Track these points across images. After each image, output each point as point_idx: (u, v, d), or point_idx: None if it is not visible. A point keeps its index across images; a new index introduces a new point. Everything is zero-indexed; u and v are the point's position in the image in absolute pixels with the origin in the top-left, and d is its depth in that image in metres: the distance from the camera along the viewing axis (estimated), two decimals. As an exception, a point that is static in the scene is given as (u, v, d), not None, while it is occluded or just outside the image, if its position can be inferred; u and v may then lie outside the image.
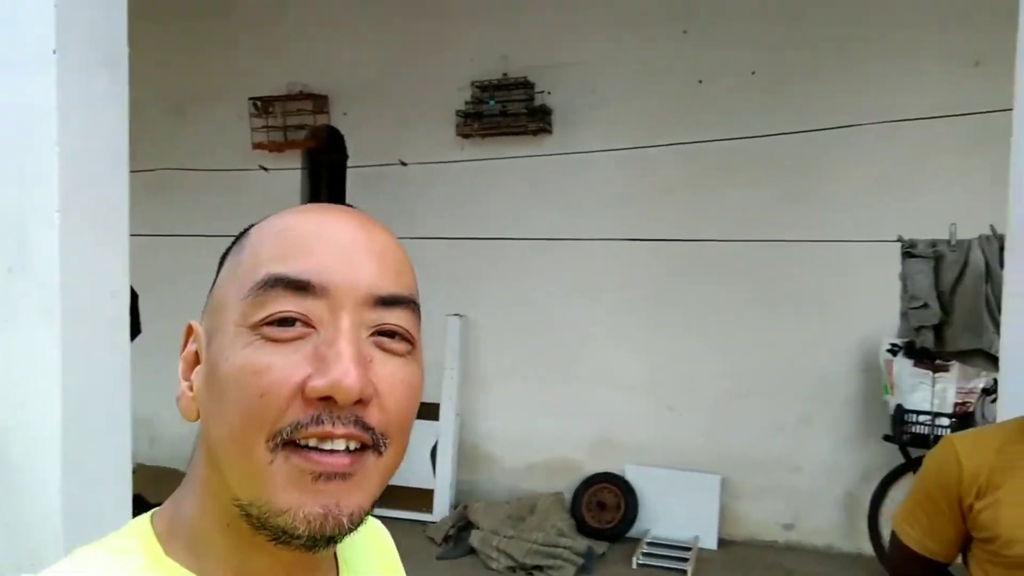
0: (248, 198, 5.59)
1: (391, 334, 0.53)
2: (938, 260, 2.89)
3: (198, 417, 0.55)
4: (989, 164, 4.11)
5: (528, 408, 4.92)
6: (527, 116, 4.93)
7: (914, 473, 3.82)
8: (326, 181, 5.83)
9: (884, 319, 4.12)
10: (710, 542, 4.38)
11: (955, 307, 2.83)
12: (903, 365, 3.72)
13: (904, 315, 3.01)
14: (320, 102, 5.48)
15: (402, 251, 0.56)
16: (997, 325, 2.72)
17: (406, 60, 5.29)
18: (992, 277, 2.75)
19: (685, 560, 4.10)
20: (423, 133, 5.24)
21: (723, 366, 4.52)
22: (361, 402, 0.50)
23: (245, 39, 5.63)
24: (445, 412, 4.88)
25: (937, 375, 3.60)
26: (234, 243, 0.59)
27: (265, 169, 5.53)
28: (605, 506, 4.48)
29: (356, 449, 0.50)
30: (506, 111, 4.97)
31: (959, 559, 1.54)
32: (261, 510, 0.50)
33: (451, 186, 5.16)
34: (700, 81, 4.66)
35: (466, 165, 5.08)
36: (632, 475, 4.55)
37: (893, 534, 1.60)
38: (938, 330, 2.88)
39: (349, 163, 5.52)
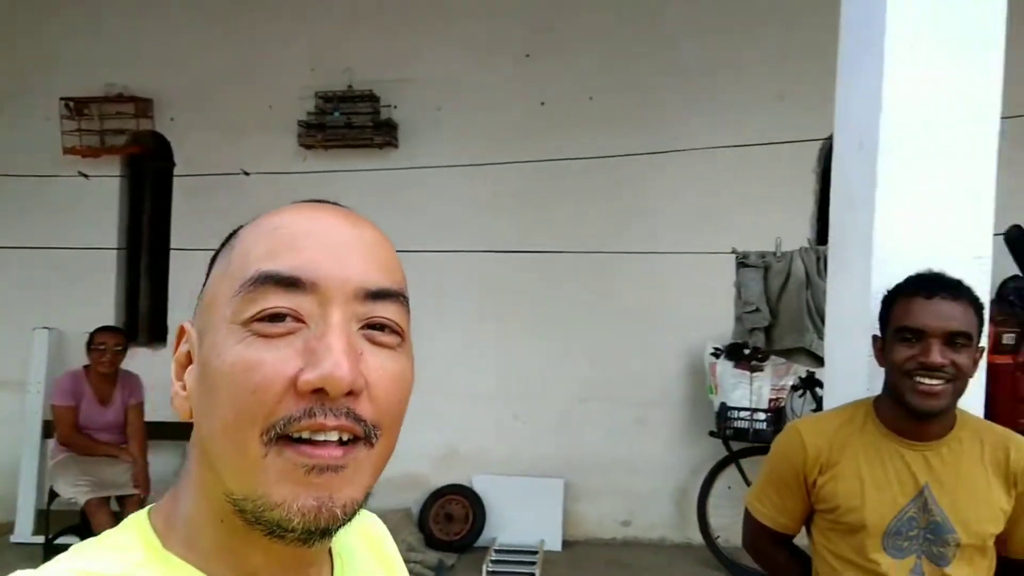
0: (57, 207, 5.08)
1: (381, 327, 0.54)
2: (766, 269, 3.26)
3: (191, 416, 0.55)
4: (792, 186, 4.70)
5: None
6: (373, 129, 4.90)
7: (737, 465, 4.22)
8: (150, 190, 5.43)
9: (707, 325, 4.54)
10: (555, 544, 4.55)
11: (781, 311, 3.21)
12: (725, 367, 4.11)
13: (738, 319, 3.35)
14: (143, 105, 5.11)
15: (390, 246, 0.58)
16: (816, 326, 3.12)
17: (241, 65, 5.08)
18: (811, 284, 3.16)
19: (532, 564, 4.23)
20: (262, 142, 5.04)
21: (566, 374, 4.74)
22: (352, 394, 0.50)
23: (56, 31, 5.14)
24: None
25: (754, 375, 4.02)
26: (224, 244, 0.60)
27: (85, 176, 5.05)
28: (453, 518, 4.52)
29: (348, 441, 0.51)
30: (351, 123, 4.91)
31: (803, 531, 1.75)
32: (255, 504, 0.50)
33: (291, 198, 4.96)
34: (543, 103, 4.89)
35: (308, 177, 4.95)
36: (479, 485, 4.63)
37: (746, 512, 1.79)
38: (767, 331, 3.24)
39: (177, 171, 5.18)
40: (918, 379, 1.50)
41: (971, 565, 1.51)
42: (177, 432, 4.84)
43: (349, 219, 0.56)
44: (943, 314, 1.51)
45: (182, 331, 0.59)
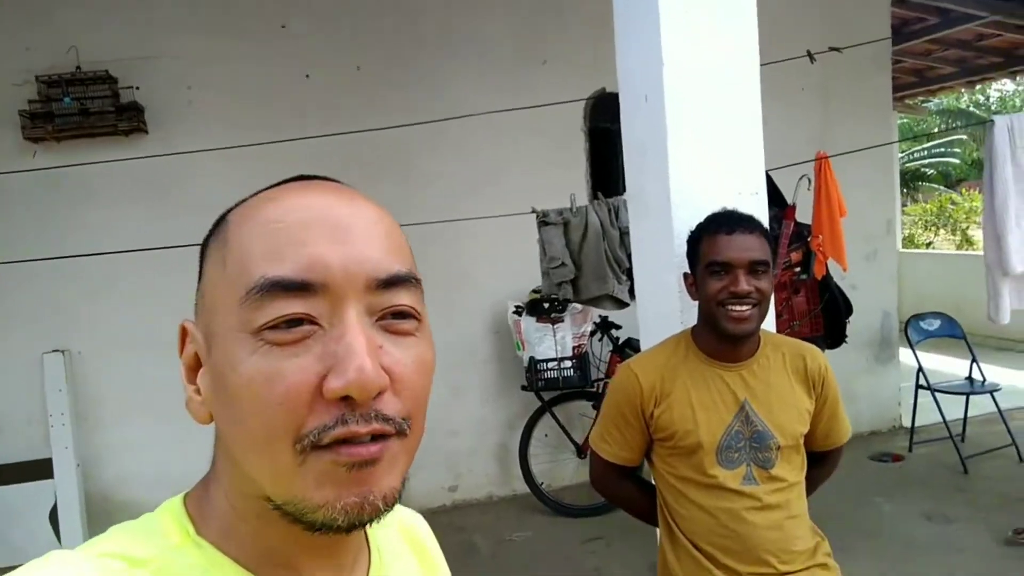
0: None
1: (397, 314, 0.52)
2: (566, 225, 3.41)
3: (210, 420, 0.54)
4: (565, 145, 4.95)
5: (165, 442, 4.40)
6: (115, 114, 4.36)
7: (551, 413, 4.44)
8: None
9: (504, 285, 4.69)
10: (386, 523, 4.50)
11: (583, 262, 3.38)
12: (528, 323, 4.28)
13: (545, 274, 3.48)
14: None
15: (392, 221, 0.56)
16: (616, 273, 3.34)
17: (-67, 48, 4.26)
18: (607, 234, 3.36)
19: (367, 546, 4.16)
20: (-26, 138, 4.29)
21: (371, 353, 4.64)
22: (379, 394, 0.50)
23: None
24: (61, 465, 4.13)
25: (556, 326, 4.23)
26: (213, 231, 0.56)
27: None
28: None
29: (377, 437, 0.51)
30: (87, 109, 4.32)
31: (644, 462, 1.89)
32: (297, 507, 0.50)
33: (21, 199, 4.33)
34: (307, 76, 4.66)
35: (41, 174, 4.31)
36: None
37: (592, 452, 1.90)
38: (574, 283, 3.41)
39: None
40: (730, 307, 1.67)
41: (790, 463, 1.72)
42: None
43: (345, 198, 0.53)
44: (744, 246, 1.68)
45: (184, 331, 0.56)
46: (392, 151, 4.64)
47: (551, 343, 4.23)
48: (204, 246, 0.57)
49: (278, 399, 0.48)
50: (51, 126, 4.30)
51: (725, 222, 1.73)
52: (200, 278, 0.56)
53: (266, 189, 0.57)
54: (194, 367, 0.55)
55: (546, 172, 4.74)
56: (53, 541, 4.06)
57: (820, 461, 1.86)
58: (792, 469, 1.73)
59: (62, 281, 4.30)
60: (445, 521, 4.55)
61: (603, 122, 5.01)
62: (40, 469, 4.05)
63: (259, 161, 4.44)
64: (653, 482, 1.86)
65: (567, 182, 4.66)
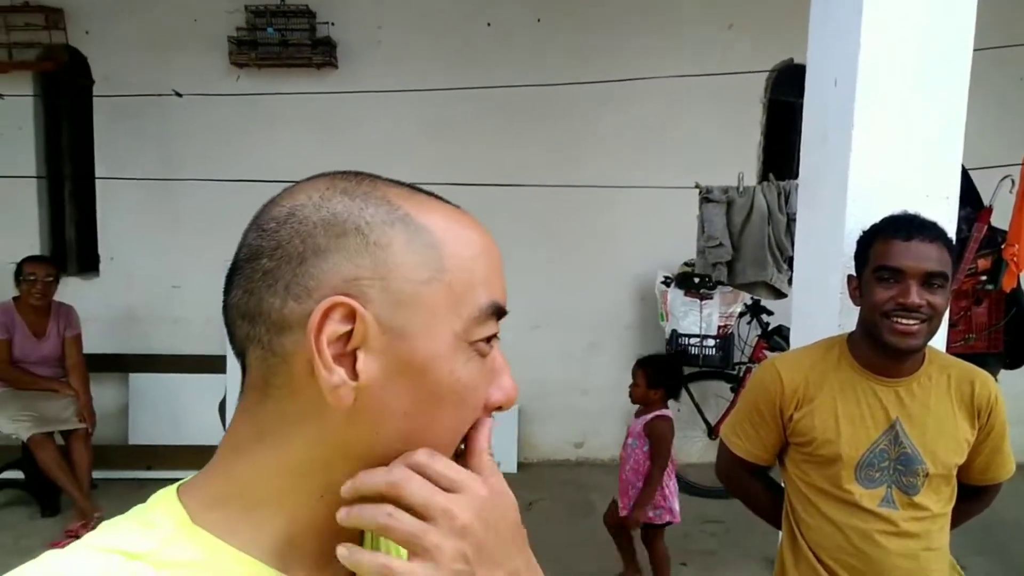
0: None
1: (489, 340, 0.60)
2: (729, 204, 3.29)
3: (350, 405, 0.53)
4: (739, 117, 4.72)
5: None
6: (310, 47, 4.64)
7: (686, 389, 4.37)
8: (67, 111, 5.04)
9: (656, 254, 4.62)
10: (510, 467, 4.67)
11: (743, 245, 3.26)
12: (676, 295, 4.21)
13: (701, 253, 3.40)
14: (54, 16, 4.69)
15: None
16: (777, 261, 3.20)
17: (157, -28, 4.69)
18: (773, 219, 3.21)
19: (490, 486, 4.34)
20: (188, 60, 4.71)
21: (517, 303, 4.67)
22: None
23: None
24: (232, 362, 4.58)
25: (703, 302, 4.12)
26: (370, 210, 0.54)
27: (0, 96, 4.64)
28: (409, 445, 4.57)
29: None
30: (287, 40, 4.63)
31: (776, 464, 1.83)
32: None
33: (224, 121, 4.73)
34: (489, 24, 4.71)
35: (242, 99, 4.68)
36: (434, 412, 4.67)
37: (721, 444, 1.86)
38: (729, 265, 3.30)
39: (97, 90, 4.82)
40: (896, 319, 1.55)
41: (937, 493, 1.61)
42: (116, 364, 4.70)
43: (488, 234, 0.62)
44: (921, 255, 1.55)
45: (337, 307, 0.51)
46: (560, 107, 4.63)
47: (696, 318, 4.14)
48: (362, 226, 0.54)
49: (476, 404, 0.57)
50: (254, 53, 4.65)
51: (903, 226, 1.60)
52: (337, 254, 0.53)
53: (420, 192, 0.59)
54: (343, 348, 0.52)
55: (715, 144, 4.56)
56: (219, 429, 4.54)
57: (973, 495, 1.72)
58: (938, 499, 1.62)
59: (247, 197, 4.69)
60: (567, 476, 4.65)
61: (786, 95, 4.72)
62: (215, 364, 4.50)
63: (432, 105, 4.60)
64: (781, 484, 1.80)
65: (737, 157, 4.47)
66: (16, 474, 4.08)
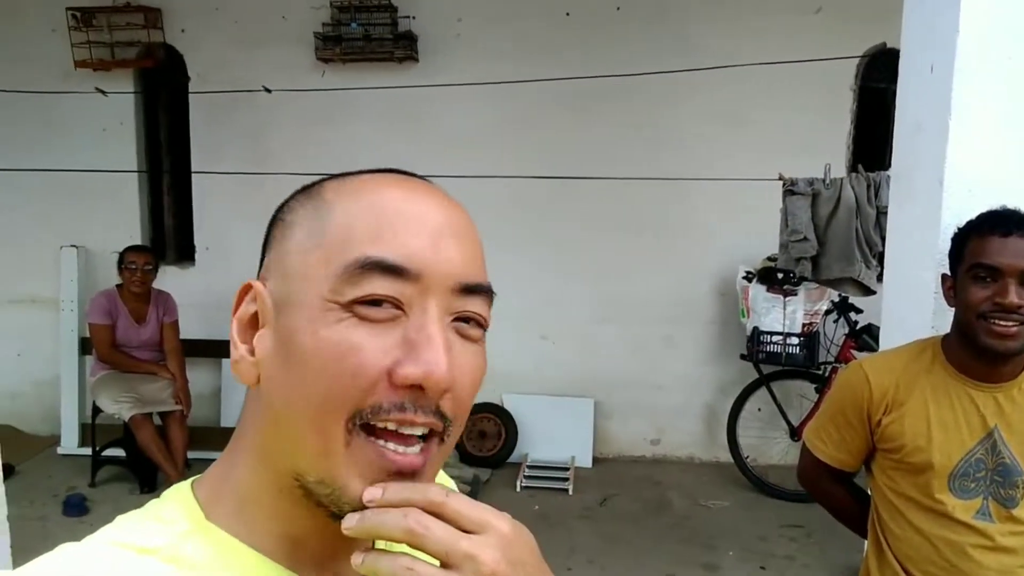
0: (71, 123, 4.98)
1: (468, 320, 0.54)
2: (815, 197, 3.17)
3: (257, 382, 0.54)
4: (828, 105, 4.53)
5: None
6: (392, 42, 4.71)
7: (767, 388, 4.25)
8: (165, 106, 5.30)
9: (737, 248, 4.50)
10: (586, 461, 4.66)
11: (829, 240, 3.13)
12: (758, 290, 4.08)
13: (784, 247, 3.29)
14: (152, 15, 4.92)
15: (477, 232, 0.58)
16: (865, 256, 3.06)
17: (249, -28, 4.85)
18: (861, 213, 3.07)
19: (565, 480, 4.35)
20: (277, 56, 4.86)
21: (591, 295, 4.72)
22: (446, 391, 0.51)
23: (57, -62, 4.90)
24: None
25: (787, 299, 3.98)
26: (299, 200, 0.57)
27: (103, 93, 4.92)
28: (486, 435, 4.62)
29: (425, 436, 0.52)
30: (370, 35, 4.72)
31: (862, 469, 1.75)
32: (332, 492, 0.51)
33: (311, 116, 4.87)
34: (567, 13, 4.68)
35: (327, 94, 4.80)
36: (510, 404, 4.70)
37: (804, 447, 1.79)
38: (814, 260, 3.18)
39: (192, 87, 5.04)
40: (993, 320, 1.46)
41: (1038, 506, 1.51)
42: (210, 350, 4.92)
43: (444, 201, 0.56)
44: (1020, 253, 1.45)
45: (247, 289, 0.56)
46: (640, 96, 4.56)
47: (779, 315, 4.00)
48: (285, 213, 0.58)
49: (350, 370, 0.49)
50: (339, 48, 4.76)
51: (1001, 223, 1.50)
52: (273, 242, 0.57)
53: (366, 173, 0.58)
54: (249, 326, 0.56)
55: (801, 133, 4.39)
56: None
57: (1079, 511, 1.61)
58: (1039, 514, 1.52)
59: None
60: (642, 472, 4.60)
61: (878, 82, 4.50)
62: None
63: (512, 97, 4.61)
64: (868, 491, 1.73)
65: (825, 147, 4.29)
66: (118, 452, 4.35)
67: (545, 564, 0.53)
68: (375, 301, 0.51)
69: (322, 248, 0.53)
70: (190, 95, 5.02)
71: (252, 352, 0.54)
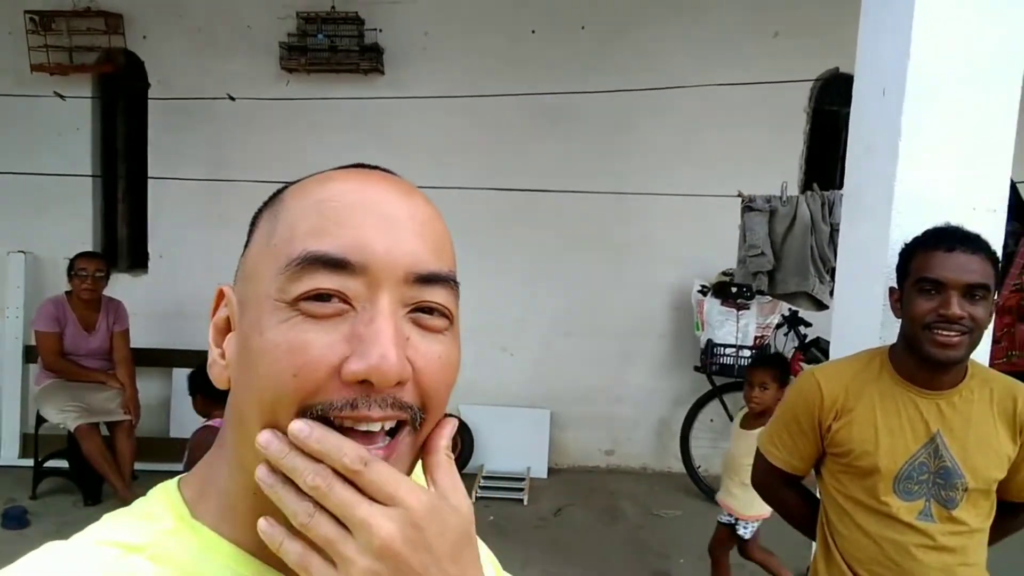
0: (26, 127, 4.87)
1: (429, 310, 0.52)
2: (772, 214, 3.29)
3: (228, 385, 0.54)
4: (784, 128, 4.69)
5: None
6: (358, 54, 4.73)
7: (720, 399, 4.35)
8: (123, 112, 5.21)
9: (692, 263, 4.61)
10: (541, 471, 4.69)
11: (785, 255, 3.25)
12: (712, 304, 4.19)
13: (742, 262, 3.39)
14: (114, 21, 4.85)
15: (442, 223, 0.56)
16: (819, 272, 3.18)
17: (214, -19, 4.83)
18: (816, 230, 3.20)
19: (520, 490, 4.37)
20: (241, 64, 4.84)
21: (551, 308, 4.78)
22: (399, 383, 0.49)
23: (15, -62, 4.81)
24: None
25: (740, 312, 4.10)
26: (268, 204, 0.57)
27: (61, 97, 4.81)
28: (442, 446, 4.60)
29: (392, 429, 0.51)
30: (336, 46, 4.73)
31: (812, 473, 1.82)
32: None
33: (274, 125, 4.85)
34: (533, 31, 4.76)
35: (291, 103, 4.79)
36: (467, 415, 4.71)
37: (758, 453, 1.86)
38: (770, 275, 3.29)
39: (152, 93, 4.97)
40: (937, 331, 1.54)
41: (976, 508, 1.59)
42: (161, 359, 4.82)
43: (401, 191, 0.54)
44: (962, 267, 1.54)
45: (221, 295, 0.57)
46: (603, 113, 4.65)
47: (732, 328, 4.12)
48: (255, 219, 0.58)
49: (294, 369, 0.48)
50: (304, 59, 4.75)
51: (945, 238, 1.59)
52: (245, 247, 0.57)
53: (332, 170, 0.57)
54: (223, 331, 0.56)
55: (757, 153, 4.55)
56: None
57: (1013, 512, 1.69)
58: (977, 514, 1.60)
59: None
60: (597, 483, 4.65)
61: (831, 104, 4.68)
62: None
63: (477, 111, 4.65)
64: (817, 494, 1.80)
65: (779, 166, 4.45)
66: (62, 463, 4.22)
67: (472, 548, 0.51)
68: (321, 296, 0.49)
69: (270, 248, 0.52)
70: (149, 101, 4.96)
71: (221, 355, 0.55)
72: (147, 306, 4.80)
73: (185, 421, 4.88)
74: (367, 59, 4.72)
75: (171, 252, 4.99)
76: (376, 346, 0.48)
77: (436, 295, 0.52)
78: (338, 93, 4.70)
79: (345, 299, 0.49)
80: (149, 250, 5.04)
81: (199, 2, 4.86)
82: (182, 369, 4.91)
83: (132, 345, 4.34)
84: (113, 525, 0.53)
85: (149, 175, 4.97)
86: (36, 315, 4.17)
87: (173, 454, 4.60)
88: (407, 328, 0.51)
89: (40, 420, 4.14)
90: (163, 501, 0.55)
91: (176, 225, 4.96)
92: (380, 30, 4.77)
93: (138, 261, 5.16)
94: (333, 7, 4.74)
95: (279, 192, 0.57)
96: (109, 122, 5.17)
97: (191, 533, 0.53)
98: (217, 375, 0.55)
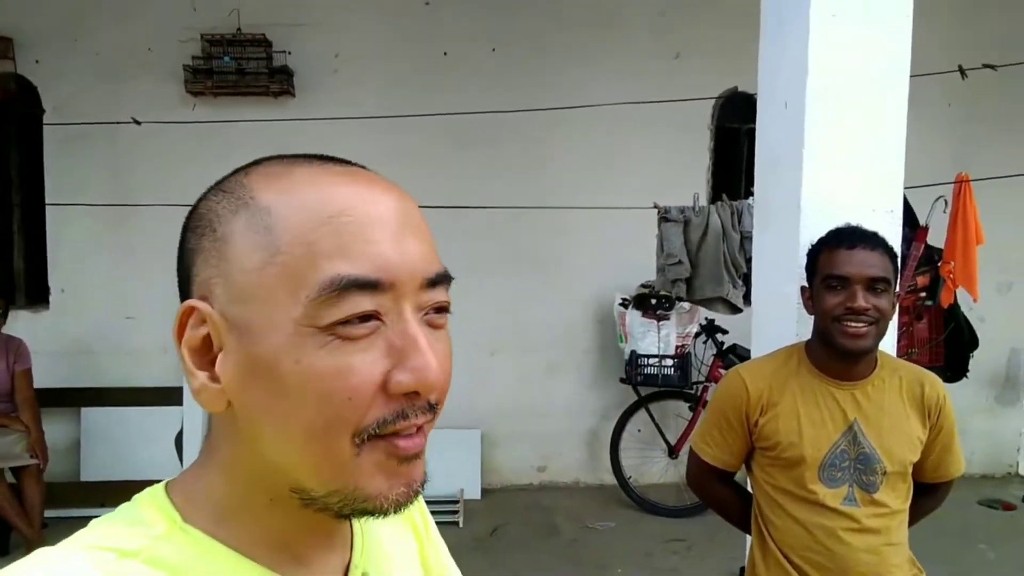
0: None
1: (437, 310, 0.55)
2: (687, 224, 3.42)
3: (225, 408, 0.52)
4: (691, 144, 4.89)
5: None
6: (267, 76, 4.66)
7: (646, 409, 4.45)
8: (15, 139, 4.94)
9: (613, 277, 4.72)
10: (474, 492, 4.66)
11: (700, 262, 3.38)
12: (634, 316, 4.30)
13: (661, 270, 3.50)
14: (3, 45, 4.61)
15: (423, 216, 0.57)
16: (732, 277, 3.31)
17: (110, 2, 4.66)
18: (727, 237, 3.34)
19: (455, 512, 4.33)
20: (143, 89, 4.68)
21: (477, 326, 4.78)
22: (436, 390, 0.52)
23: None
24: (189, 394, 4.50)
25: (661, 323, 4.22)
26: (223, 201, 0.53)
27: (-55, 123, 4.52)
28: (371, 472, 4.52)
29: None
30: (243, 69, 4.64)
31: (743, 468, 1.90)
32: (345, 496, 0.51)
33: (180, 149, 4.70)
34: (445, 53, 4.81)
35: (199, 127, 4.65)
36: (396, 439, 4.64)
37: (691, 452, 1.92)
38: (688, 282, 3.41)
39: (47, 119, 4.74)
40: (845, 323, 1.65)
41: (895, 490, 1.69)
42: (67, 398, 4.56)
43: (395, 194, 0.54)
44: (864, 262, 1.65)
45: (190, 312, 0.52)
46: (516, 133, 4.73)
47: (654, 339, 4.23)
48: (213, 221, 0.53)
49: (347, 392, 0.49)
50: (210, 82, 4.64)
51: (847, 237, 1.70)
52: (203, 255, 0.53)
53: (290, 160, 0.55)
54: (201, 351, 0.52)
55: (667, 167, 4.72)
56: (176, 463, 4.43)
57: (927, 493, 1.81)
58: (896, 496, 1.70)
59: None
60: (530, 500, 4.67)
61: (731, 122, 4.91)
62: (172, 396, 4.41)
63: (391, 132, 4.64)
64: (750, 489, 1.87)
65: (688, 180, 4.63)
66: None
67: None
68: (359, 318, 0.50)
69: (277, 266, 0.50)
70: (45, 127, 4.72)
71: (211, 378, 0.52)
72: (50, 343, 4.54)
73: (97, 462, 4.63)
74: (277, 81, 4.65)
75: (74, 284, 4.74)
76: (418, 358, 0.50)
77: (441, 293, 0.54)
78: (248, 116, 4.61)
79: (378, 316, 0.50)
80: (50, 283, 4.77)
81: (95, 25, 4.68)
82: (91, 408, 4.66)
83: (36, 385, 4.08)
84: (103, 531, 0.52)
85: (47, 203, 4.72)
86: (-73, 357, 3.88)
87: (86, 497, 4.36)
88: (425, 331, 0.52)
89: (-66, 470, 3.84)
90: (152, 507, 0.54)
91: (78, 256, 4.73)
92: (289, 52, 4.71)
93: (38, 296, 4.87)
94: (239, 29, 4.66)
95: (229, 185, 0.54)
96: (0, 151, 4.89)
97: (184, 537, 0.52)
98: (211, 399, 0.52)
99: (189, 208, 0.57)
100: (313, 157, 0.56)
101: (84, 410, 4.63)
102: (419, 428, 0.53)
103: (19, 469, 3.83)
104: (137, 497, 0.56)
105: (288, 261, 0.49)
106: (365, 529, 0.64)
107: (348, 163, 0.56)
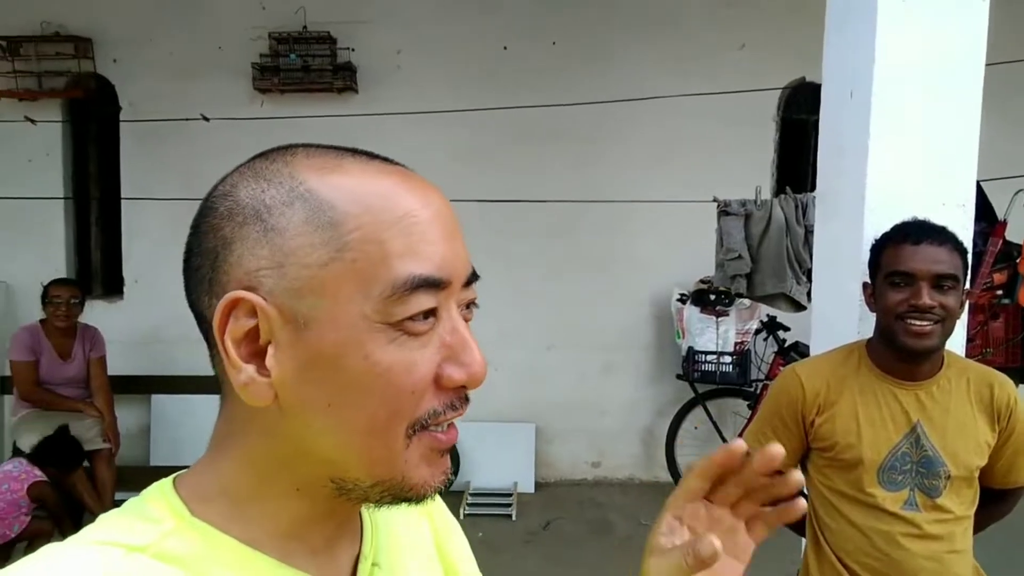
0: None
1: (468, 305, 0.57)
2: (748, 217, 3.33)
3: (271, 401, 0.52)
4: (755, 136, 4.78)
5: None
6: (332, 73, 4.75)
7: (703, 406, 4.38)
8: (95, 136, 5.17)
9: (671, 271, 4.65)
10: (528, 486, 4.67)
11: (762, 258, 3.29)
12: (692, 312, 4.23)
13: (720, 266, 3.43)
14: (83, 46, 4.82)
15: None
16: (796, 273, 3.22)
17: (185, 2, 4.83)
18: (791, 231, 3.25)
19: (508, 505, 4.35)
20: (213, 86, 4.83)
21: (534, 321, 4.79)
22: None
23: (-17, -36, 4.78)
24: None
25: (720, 319, 4.14)
26: (269, 190, 0.52)
27: (32, 121, 4.77)
28: (427, 463, 4.58)
29: None
30: (308, 66, 4.74)
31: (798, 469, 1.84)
32: (391, 487, 0.54)
33: (248, 145, 4.79)
34: (505, 47, 4.81)
35: (266, 123, 4.78)
36: (452, 431, 4.68)
37: (743, 452, 1.87)
38: (748, 278, 3.33)
39: (123, 116, 4.94)
40: (909, 321, 1.58)
41: (959, 495, 1.62)
42: (139, 386, 4.76)
43: (439, 193, 0.57)
44: (930, 258, 1.58)
45: (235, 302, 0.51)
46: (575, 127, 4.70)
47: (713, 335, 4.15)
48: (260, 211, 0.52)
49: (411, 387, 0.51)
50: (277, 79, 4.76)
51: (912, 231, 1.63)
52: (249, 244, 0.52)
53: (336, 153, 0.55)
54: (245, 343, 0.52)
55: (730, 160, 4.61)
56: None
57: (995, 499, 1.73)
58: (961, 502, 1.62)
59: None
60: (584, 495, 4.65)
61: (798, 113, 4.77)
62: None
63: (452, 127, 4.68)
64: (804, 490, 1.82)
65: (752, 173, 4.52)
66: (40, 493, 4.13)
67: None
68: (423, 314, 0.52)
69: (346, 263, 0.50)
70: (121, 124, 4.92)
71: (260, 371, 0.51)
72: (124, 332, 4.73)
73: (166, 447, 4.82)
74: (340, 78, 4.74)
75: (146, 276, 4.93)
76: (468, 354, 0.53)
77: (473, 291, 0.57)
78: (312, 112, 4.71)
79: (435, 312, 0.53)
80: (124, 274, 4.99)
81: (169, 26, 4.84)
82: (161, 396, 4.85)
83: (109, 372, 4.26)
84: (110, 526, 0.52)
85: (122, 196, 4.92)
86: (10, 345, 4.09)
87: (154, 481, 4.54)
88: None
89: (16, 451, 4.05)
90: (160, 501, 0.54)
91: (151, 248, 4.92)
92: (352, 49, 4.79)
93: (113, 287, 5.09)
94: (305, 27, 4.76)
95: (270, 173, 0.53)
96: (80, 146, 5.13)
97: (194, 531, 0.52)
98: (259, 393, 0.51)
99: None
100: (347, 151, 0.56)
101: (154, 397, 4.82)
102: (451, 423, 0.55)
103: (92, 453, 4.00)
104: (145, 492, 0.56)
105: (359, 258, 0.50)
106: (376, 520, 0.65)
107: (389, 160, 0.57)
